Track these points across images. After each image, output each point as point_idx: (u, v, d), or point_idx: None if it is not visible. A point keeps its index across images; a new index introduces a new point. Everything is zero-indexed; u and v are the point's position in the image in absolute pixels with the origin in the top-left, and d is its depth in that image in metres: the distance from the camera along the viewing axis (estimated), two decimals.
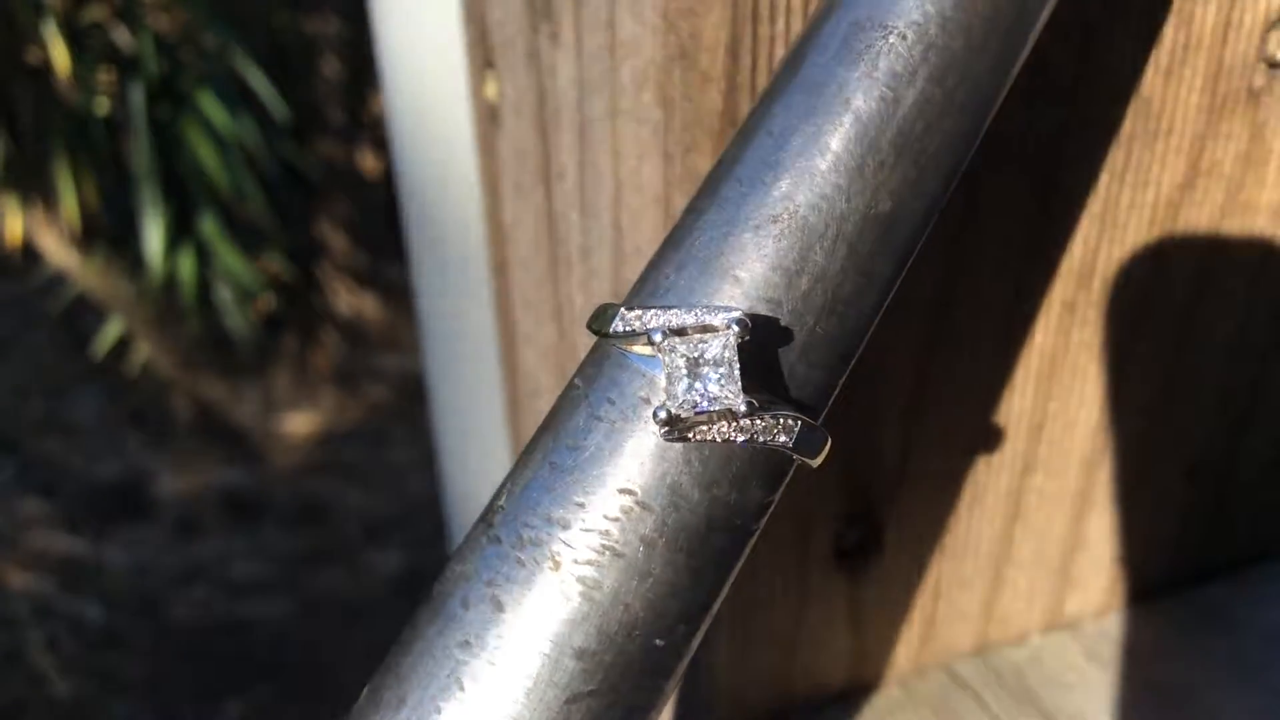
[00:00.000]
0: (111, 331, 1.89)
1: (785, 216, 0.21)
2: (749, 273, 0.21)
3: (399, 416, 1.94)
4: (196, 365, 1.95)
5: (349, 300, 2.08)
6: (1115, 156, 0.35)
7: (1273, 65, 0.35)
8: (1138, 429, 0.41)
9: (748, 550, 0.22)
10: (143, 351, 1.91)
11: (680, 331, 0.20)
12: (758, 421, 0.20)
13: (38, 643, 1.49)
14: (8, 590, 1.57)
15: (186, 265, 1.80)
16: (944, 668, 0.43)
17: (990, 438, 0.39)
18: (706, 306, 0.20)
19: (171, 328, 1.90)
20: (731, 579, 0.21)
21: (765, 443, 0.20)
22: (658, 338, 0.20)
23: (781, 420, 0.20)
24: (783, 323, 0.21)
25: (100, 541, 1.68)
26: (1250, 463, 0.45)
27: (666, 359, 0.20)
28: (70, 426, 1.85)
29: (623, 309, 0.21)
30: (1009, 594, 0.43)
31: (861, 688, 0.42)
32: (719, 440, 0.20)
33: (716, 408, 0.20)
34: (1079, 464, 0.41)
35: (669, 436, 0.20)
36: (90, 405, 1.89)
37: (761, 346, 0.21)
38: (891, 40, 0.21)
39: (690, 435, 0.20)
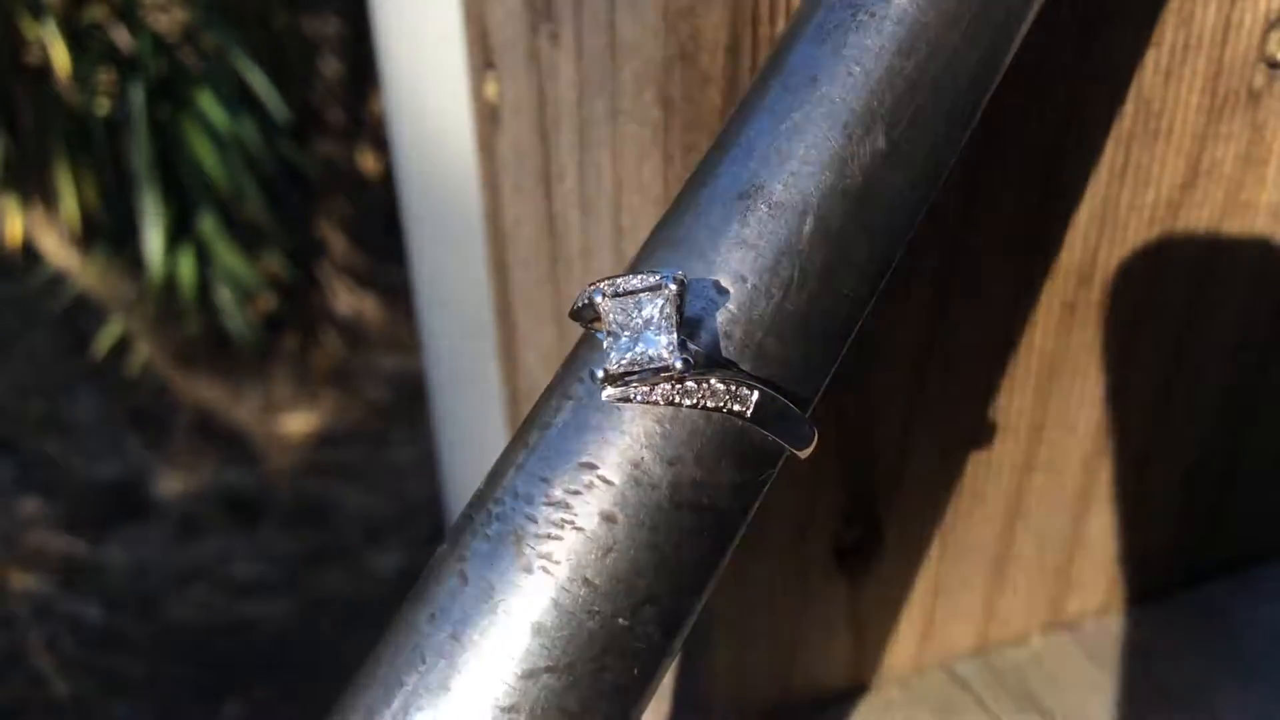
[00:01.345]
0: (111, 331, 1.89)
1: (752, 193, 0.21)
2: (714, 249, 0.21)
3: (399, 416, 1.94)
4: (196, 365, 1.95)
5: (349, 300, 2.07)
6: (1115, 156, 0.35)
7: (1273, 65, 0.35)
8: (1138, 429, 0.41)
9: (729, 534, 0.21)
10: (143, 351, 1.91)
11: (623, 294, 0.20)
12: (704, 386, 0.20)
13: (38, 643, 1.49)
14: (8, 590, 1.57)
15: (186, 265, 1.80)
16: (944, 668, 0.43)
17: (990, 437, 0.39)
18: (651, 271, 0.20)
19: (171, 328, 1.90)
20: (713, 563, 0.21)
21: (717, 409, 0.20)
22: (598, 299, 0.20)
23: (734, 389, 0.20)
24: (747, 297, 0.21)
25: (100, 541, 1.68)
26: (1250, 463, 0.45)
27: (607, 320, 0.20)
28: (70, 426, 1.85)
29: (586, 286, 0.21)
30: (1009, 594, 0.43)
31: (861, 688, 0.42)
32: (662, 402, 0.20)
33: (654, 365, 0.20)
34: (1079, 464, 0.41)
35: (612, 397, 0.20)
36: (90, 405, 1.89)
37: (721, 318, 0.21)
38: (860, 18, 0.22)
39: (633, 396, 0.20)
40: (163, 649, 1.52)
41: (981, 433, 0.39)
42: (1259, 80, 0.35)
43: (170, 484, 1.80)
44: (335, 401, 1.99)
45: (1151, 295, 0.38)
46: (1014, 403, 0.38)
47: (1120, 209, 0.36)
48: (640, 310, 0.20)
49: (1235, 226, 0.38)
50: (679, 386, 0.20)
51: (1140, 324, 0.39)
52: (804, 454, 0.21)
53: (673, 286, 0.20)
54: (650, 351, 0.20)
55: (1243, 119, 0.35)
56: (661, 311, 0.20)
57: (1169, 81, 0.34)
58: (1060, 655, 0.44)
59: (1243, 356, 0.41)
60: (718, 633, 0.38)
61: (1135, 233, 0.37)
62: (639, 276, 0.20)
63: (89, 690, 1.44)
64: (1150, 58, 0.33)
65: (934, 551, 0.41)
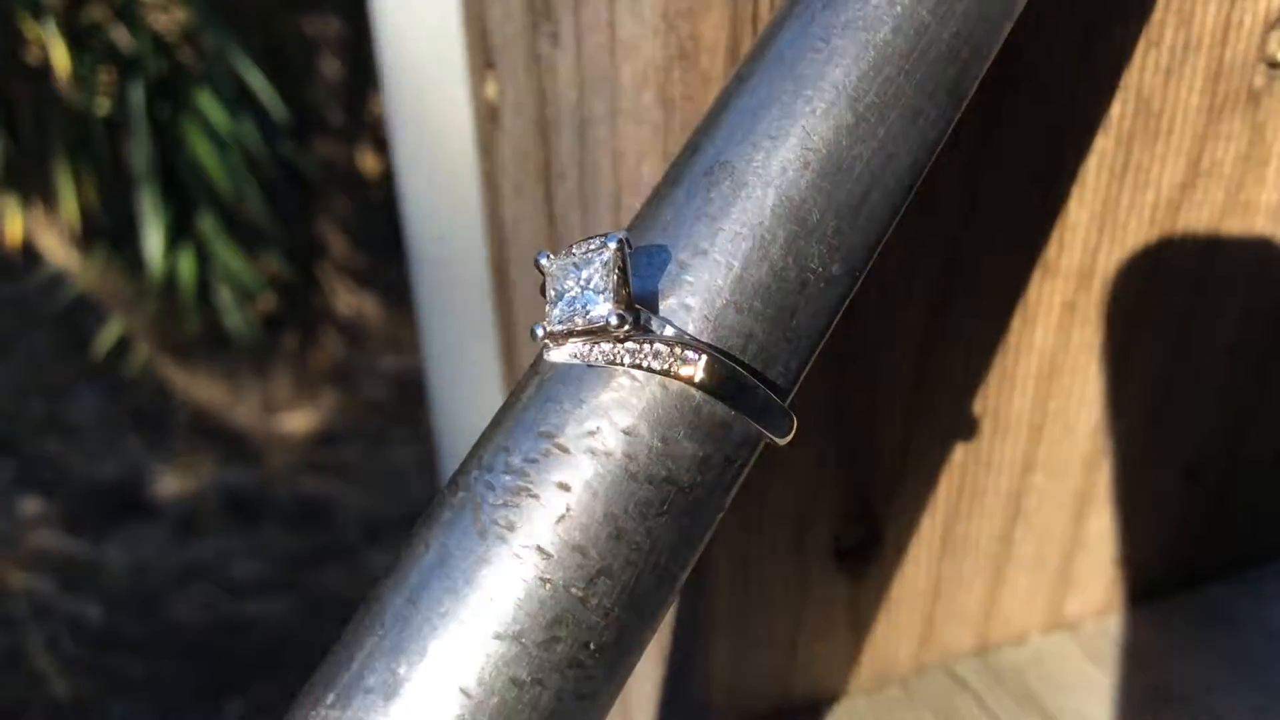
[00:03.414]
0: (111, 331, 1.89)
1: (716, 168, 0.21)
2: (677, 223, 0.21)
3: (399, 416, 1.94)
4: (196, 365, 1.95)
5: (349, 300, 2.08)
6: (1115, 156, 0.35)
7: (1273, 65, 0.35)
8: (1138, 429, 0.41)
9: (698, 513, 0.21)
10: (143, 351, 1.91)
11: (566, 257, 0.20)
12: (647, 345, 0.20)
13: (38, 643, 1.49)
14: (8, 590, 1.57)
15: (186, 265, 1.80)
16: (944, 668, 0.43)
17: (990, 437, 0.39)
18: (595, 236, 0.20)
19: (171, 328, 1.90)
20: (680, 542, 0.21)
21: (664, 372, 0.20)
22: (543, 261, 0.20)
23: (679, 350, 0.20)
24: (706, 267, 0.21)
25: (100, 541, 1.68)
26: (1250, 463, 0.45)
27: (551, 282, 0.20)
28: (70, 426, 1.85)
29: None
30: (1009, 594, 0.43)
31: (861, 688, 0.42)
32: (603, 361, 0.20)
33: (594, 324, 0.20)
34: (1079, 464, 0.41)
35: (555, 357, 0.20)
36: (90, 405, 1.89)
37: (673, 284, 0.21)
38: None
39: (575, 355, 0.20)
40: (163, 649, 1.52)
41: (981, 433, 0.39)
42: (1259, 80, 0.35)
43: (170, 484, 1.80)
44: (335, 401, 1.99)
45: (1151, 295, 0.38)
46: (1014, 402, 0.38)
47: (1120, 209, 0.36)
48: (581, 271, 0.20)
49: (1235, 226, 0.38)
50: (620, 346, 0.20)
51: (1140, 324, 0.39)
52: (781, 441, 0.21)
53: (613, 245, 0.20)
54: (589, 308, 0.20)
55: (1243, 119, 0.35)
56: (600, 271, 0.20)
57: (1169, 81, 0.34)
58: (1060, 655, 0.44)
59: (1242, 356, 0.41)
60: (717, 633, 0.38)
61: (1135, 233, 0.37)
62: (584, 241, 0.20)
63: (89, 690, 1.44)
64: (1150, 58, 0.33)
65: (934, 552, 0.41)
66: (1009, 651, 0.44)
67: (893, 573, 0.40)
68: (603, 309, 0.20)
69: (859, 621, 0.41)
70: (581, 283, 0.20)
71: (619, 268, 0.20)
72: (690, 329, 0.20)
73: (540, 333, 0.20)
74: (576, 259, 0.20)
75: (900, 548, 0.40)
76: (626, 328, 0.20)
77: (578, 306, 0.20)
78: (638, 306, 0.20)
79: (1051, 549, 0.43)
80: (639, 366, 0.20)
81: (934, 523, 0.40)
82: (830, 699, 0.42)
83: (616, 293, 0.20)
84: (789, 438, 0.21)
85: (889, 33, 0.22)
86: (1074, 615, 0.45)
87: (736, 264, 0.21)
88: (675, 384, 0.20)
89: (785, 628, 0.39)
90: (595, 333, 0.20)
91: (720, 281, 0.21)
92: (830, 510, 0.38)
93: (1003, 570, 0.42)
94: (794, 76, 0.21)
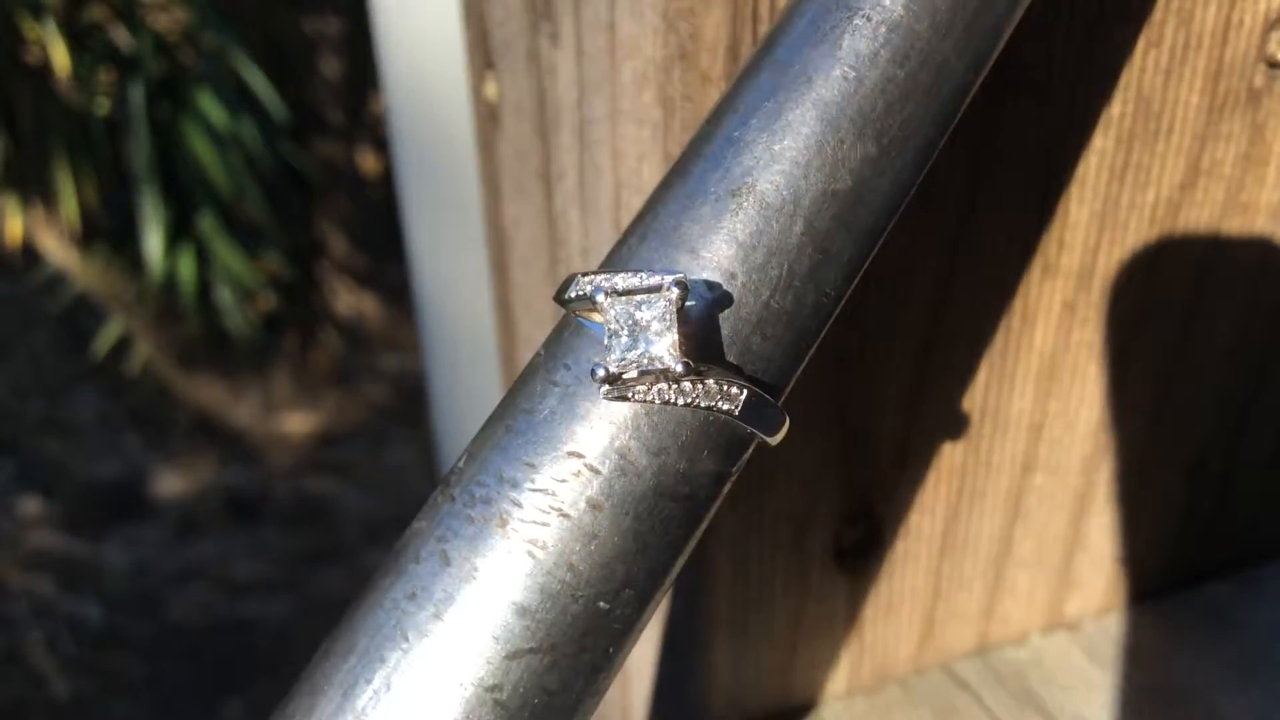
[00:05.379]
0: (111, 331, 1.89)
1: (743, 191, 0.21)
2: (705, 244, 0.21)
3: (399, 416, 1.94)
4: (196, 365, 1.95)
5: (349, 300, 2.07)
6: (1115, 156, 0.35)
7: (1273, 65, 0.35)
8: (1138, 429, 0.41)
9: (702, 519, 0.22)
10: (143, 351, 1.91)
11: (624, 293, 0.20)
12: (699, 385, 0.20)
13: (38, 643, 1.49)
14: (8, 590, 1.57)
15: (186, 265, 1.80)
16: (944, 668, 0.43)
17: (990, 437, 0.39)
18: (651, 270, 0.21)
19: (171, 328, 1.90)
20: (685, 547, 0.22)
21: (708, 408, 0.21)
22: (600, 298, 0.21)
23: (725, 388, 0.20)
24: (736, 295, 0.21)
25: (100, 541, 1.68)
26: (1250, 463, 0.45)
27: (609, 318, 0.21)
28: (70, 426, 1.85)
29: (579, 275, 0.21)
30: (1009, 594, 0.43)
31: (861, 688, 0.42)
32: (658, 401, 0.20)
33: (654, 367, 0.20)
34: (1079, 464, 0.41)
35: (610, 395, 0.20)
36: (90, 405, 1.89)
37: (713, 316, 0.21)
38: (856, 21, 0.22)
39: (630, 395, 0.20)
40: (163, 649, 1.52)
41: (981, 432, 0.39)
42: (1259, 80, 0.35)
43: (170, 484, 1.80)
44: (335, 401, 1.99)
45: (1151, 295, 0.38)
46: (1014, 402, 0.38)
47: (1120, 209, 0.36)
48: (640, 310, 0.20)
49: (1235, 226, 0.38)
50: (675, 386, 0.20)
51: (1140, 324, 0.39)
52: (774, 440, 0.22)
53: (675, 291, 0.20)
54: (651, 352, 0.20)
55: (1243, 119, 0.35)
56: (663, 315, 0.20)
57: (1169, 81, 0.34)
58: (1060, 655, 0.44)
59: (1242, 356, 0.41)
60: (718, 633, 0.38)
61: (1135, 233, 0.37)
62: (639, 275, 0.20)
63: (89, 690, 1.44)
64: (1150, 58, 0.33)
65: (934, 551, 0.41)
66: (1009, 651, 0.44)
67: (893, 572, 0.40)
68: (668, 356, 0.20)
69: (859, 621, 0.41)
70: (642, 325, 0.20)
71: (678, 311, 0.20)
72: (719, 352, 0.21)
73: (601, 374, 0.20)
74: (634, 297, 0.21)
75: (900, 548, 0.40)
76: (687, 374, 0.20)
77: (639, 349, 0.20)
78: (684, 343, 0.21)
79: (1051, 549, 0.43)
80: (688, 405, 0.21)
81: (934, 522, 0.40)
82: (830, 699, 0.42)
83: (678, 337, 0.20)
84: (780, 436, 0.22)
85: (915, 68, 0.22)
86: (1074, 615, 0.45)
87: (765, 292, 0.21)
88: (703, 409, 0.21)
89: (785, 627, 0.39)
90: (653, 373, 0.20)
91: (749, 309, 0.21)
92: (830, 510, 0.38)
93: (1003, 570, 0.42)
94: (822, 103, 0.22)
